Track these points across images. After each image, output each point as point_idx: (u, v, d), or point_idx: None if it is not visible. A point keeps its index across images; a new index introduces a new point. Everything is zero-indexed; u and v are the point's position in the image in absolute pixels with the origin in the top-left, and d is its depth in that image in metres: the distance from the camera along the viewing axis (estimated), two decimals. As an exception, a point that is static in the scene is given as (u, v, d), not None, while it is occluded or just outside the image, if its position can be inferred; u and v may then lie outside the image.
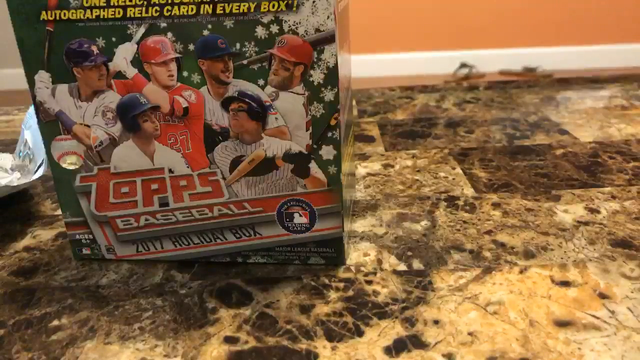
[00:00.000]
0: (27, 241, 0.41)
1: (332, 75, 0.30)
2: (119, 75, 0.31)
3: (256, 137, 0.32)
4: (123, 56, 0.31)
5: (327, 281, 0.34)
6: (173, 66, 0.31)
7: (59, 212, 0.45)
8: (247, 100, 0.31)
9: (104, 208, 0.35)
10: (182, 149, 0.33)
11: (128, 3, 0.30)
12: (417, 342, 0.28)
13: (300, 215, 0.34)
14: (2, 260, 0.38)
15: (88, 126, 0.33)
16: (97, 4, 0.30)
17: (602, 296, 0.31)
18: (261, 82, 0.31)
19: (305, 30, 0.29)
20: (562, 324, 0.29)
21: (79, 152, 0.34)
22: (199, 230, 0.35)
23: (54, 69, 0.32)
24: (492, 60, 2.83)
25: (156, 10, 0.30)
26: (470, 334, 0.29)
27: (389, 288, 0.33)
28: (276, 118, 0.31)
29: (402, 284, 0.33)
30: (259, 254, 0.35)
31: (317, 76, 0.30)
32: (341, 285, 0.33)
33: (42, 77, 0.32)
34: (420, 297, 0.32)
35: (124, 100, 0.32)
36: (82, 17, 0.30)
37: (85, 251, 0.37)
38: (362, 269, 0.35)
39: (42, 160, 0.46)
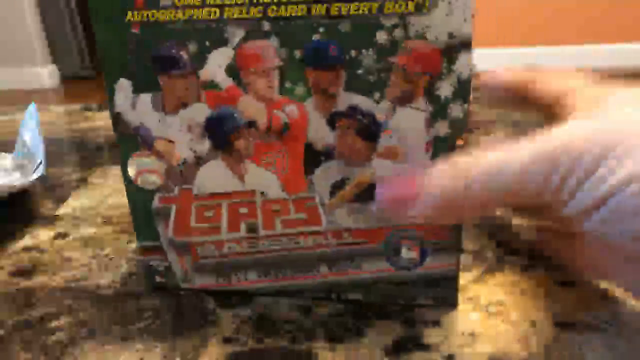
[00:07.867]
0: (26, 241, 0.40)
1: (463, 88, 0.25)
2: (210, 85, 0.27)
3: (365, 158, 0.27)
4: (217, 63, 0.27)
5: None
6: (274, 76, 0.27)
7: (59, 212, 0.44)
8: (358, 116, 0.27)
9: (183, 233, 0.31)
10: (277, 170, 0.29)
11: (226, 2, 0.26)
12: (417, 343, 0.28)
13: (410, 249, 0.29)
14: (2, 260, 0.38)
15: (172, 142, 0.29)
16: (191, 3, 0.26)
17: (604, 297, 0.31)
18: (376, 95, 0.26)
19: (436, 36, 0.25)
20: (563, 324, 0.29)
21: (159, 170, 0.30)
22: (289, 260, 0.31)
23: (137, 77, 0.28)
24: (492, 60, 2.79)
25: (259, 11, 0.25)
26: (471, 334, 0.28)
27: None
28: (390, 137, 0.27)
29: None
30: (357, 290, 0.31)
31: (445, 90, 0.26)
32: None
33: (123, 86, 0.28)
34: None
35: (215, 115, 0.28)
36: (172, 18, 0.26)
37: (159, 279, 0.33)
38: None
39: (40, 161, 0.46)
